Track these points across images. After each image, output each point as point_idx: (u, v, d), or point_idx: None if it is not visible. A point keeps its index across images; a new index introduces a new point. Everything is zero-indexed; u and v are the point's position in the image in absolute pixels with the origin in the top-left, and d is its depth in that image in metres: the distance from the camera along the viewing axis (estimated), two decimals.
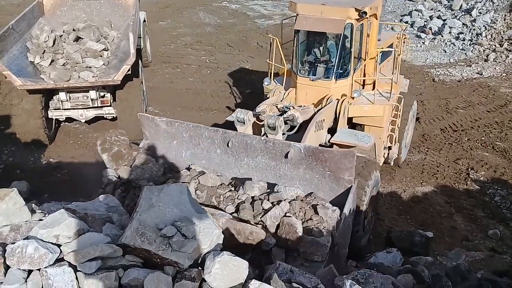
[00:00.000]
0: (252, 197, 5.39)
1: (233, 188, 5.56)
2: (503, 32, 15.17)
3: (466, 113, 11.25)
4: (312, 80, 7.49)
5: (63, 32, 10.04)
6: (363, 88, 7.92)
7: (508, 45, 14.69)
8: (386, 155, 8.33)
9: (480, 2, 16.80)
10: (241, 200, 5.36)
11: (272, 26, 17.83)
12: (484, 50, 14.90)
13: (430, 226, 7.36)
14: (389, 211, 7.82)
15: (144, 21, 12.93)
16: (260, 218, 5.04)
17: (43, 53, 9.14)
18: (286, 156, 5.57)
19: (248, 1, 21.58)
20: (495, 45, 14.91)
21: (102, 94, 9.13)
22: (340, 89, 7.42)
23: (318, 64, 7.68)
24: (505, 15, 15.63)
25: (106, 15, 10.99)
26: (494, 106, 11.68)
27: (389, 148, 8.24)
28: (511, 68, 13.87)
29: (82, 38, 9.81)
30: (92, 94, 8.98)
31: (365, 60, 7.71)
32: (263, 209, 5.16)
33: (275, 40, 8.00)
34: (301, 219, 5.10)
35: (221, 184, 5.60)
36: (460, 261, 5.90)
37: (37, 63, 8.97)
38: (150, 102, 11.11)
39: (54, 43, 9.52)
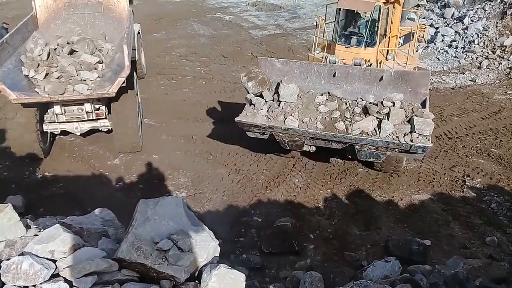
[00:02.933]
0: (370, 102, 7.71)
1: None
2: (496, 39, 15.32)
3: (461, 121, 11.30)
4: (346, 47, 9.67)
5: (58, 45, 10.03)
6: (386, 59, 9.75)
7: (500, 52, 14.83)
8: None
9: (472, 9, 16.97)
10: (363, 105, 7.73)
11: (266, 36, 17.96)
12: (477, 58, 15.02)
13: (427, 234, 7.35)
14: (386, 220, 7.81)
15: (139, 33, 12.97)
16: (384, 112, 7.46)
17: (37, 67, 9.12)
18: (380, 79, 7.89)
19: (242, 12, 21.72)
20: (487, 52, 15.04)
21: (97, 106, 9.10)
22: (368, 55, 9.43)
23: (352, 36, 9.78)
24: (497, 22, 15.79)
25: (100, 27, 11.00)
26: (488, 113, 11.75)
27: None
28: (504, 75, 14.01)
29: (77, 51, 9.80)
30: (87, 107, 8.95)
31: (388, 36, 9.77)
32: (383, 106, 7.58)
33: (321, 18, 10.19)
34: (410, 112, 7.42)
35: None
36: (458, 269, 5.87)
37: (32, 77, 8.94)
38: (146, 113, 11.11)
39: (48, 57, 9.51)
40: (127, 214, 4.22)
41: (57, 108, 8.86)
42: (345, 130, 7.53)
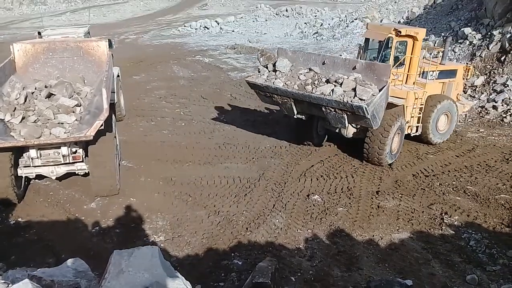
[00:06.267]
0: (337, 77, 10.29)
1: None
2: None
3: (436, 159, 11.53)
4: None
5: (35, 89, 9.98)
6: (406, 83, 11.64)
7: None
8: (411, 131, 12.00)
9: (443, 51, 17.65)
10: (329, 77, 10.34)
11: (245, 78, 18.23)
12: None
13: (409, 274, 7.31)
14: (367, 260, 7.76)
15: (118, 76, 13.04)
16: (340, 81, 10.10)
17: (14, 111, 9.00)
18: (354, 68, 10.34)
19: (221, 54, 22.16)
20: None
21: (74, 150, 8.98)
22: None
23: (371, 59, 12.00)
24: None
25: (79, 71, 11.02)
26: (462, 150, 12.04)
27: (417, 127, 12.00)
28: (476, 114, 14.47)
29: (55, 95, 9.75)
30: (64, 150, 8.83)
31: (405, 64, 11.61)
32: (342, 78, 10.13)
33: (360, 45, 13.09)
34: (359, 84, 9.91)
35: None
36: None
37: (8, 121, 8.80)
38: (124, 155, 11.02)
39: (25, 100, 9.41)
40: (102, 262, 4.10)
41: (32, 152, 8.72)
42: (311, 91, 10.35)
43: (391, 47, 11.45)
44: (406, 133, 11.82)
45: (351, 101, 9.68)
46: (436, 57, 12.87)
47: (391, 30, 11.40)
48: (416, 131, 12.02)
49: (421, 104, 11.70)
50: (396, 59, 11.53)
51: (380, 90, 9.83)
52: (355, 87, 9.87)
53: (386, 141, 10.78)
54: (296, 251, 8.00)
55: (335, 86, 10.13)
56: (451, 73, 12.56)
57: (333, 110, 10.11)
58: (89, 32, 13.57)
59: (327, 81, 10.41)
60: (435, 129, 12.17)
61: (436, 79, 12.14)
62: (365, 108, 9.49)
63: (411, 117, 11.74)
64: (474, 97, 15.22)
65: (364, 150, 11.17)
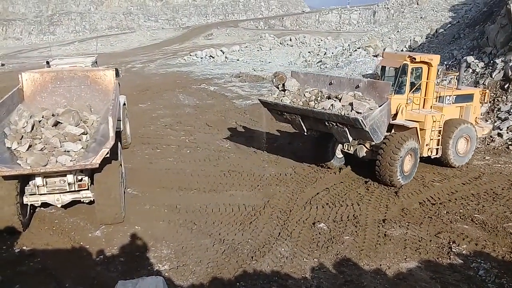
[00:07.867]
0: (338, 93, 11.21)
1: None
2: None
3: (443, 186, 11.45)
4: None
5: (42, 117, 10.09)
6: (423, 107, 12.19)
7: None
8: (431, 153, 12.25)
9: (446, 79, 17.78)
10: (330, 94, 11.35)
11: (249, 106, 18.40)
12: None
13: None
14: None
15: (124, 104, 13.19)
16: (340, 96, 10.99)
17: (20, 139, 9.09)
18: (357, 87, 11.03)
19: (226, 83, 22.43)
20: None
21: (79, 177, 9.00)
22: (396, 100, 11.68)
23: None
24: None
25: (86, 100, 11.16)
26: (468, 178, 11.96)
27: (437, 149, 12.30)
28: (482, 142, 14.44)
29: (61, 123, 9.86)
30: (70, 178, 8.85)
31: (422, 89, 12.12)
32: (341, 94, 11.03)
33: (377, 73, 13.46)
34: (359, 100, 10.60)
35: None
36: None
37: (14, 149, 8.88)
38: (129, 183, 11.02)
39: (32, 129, 9.52)
40: None
41: (38, 180, 8.74)
42: (313, 107, 11.16)
43: (406, 73, 11.83)
44: (426, 155, 12.15)
45: (347, 114, 10.25)
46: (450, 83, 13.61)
47: (406, 57, 11.89)
48: (436, 153, 12.35)
49: (440, 127, 12.10)
50: (412, 84, 11.95)
51: (380, 106, 10.40)
52: (352, 101, 10.51)
53: (395, 160, 11.09)
54: (302, 280, 7.87)
55: (334, 101, 10.84)
56: (468, 97, 13.01)
57: (335, 124, 10.67)
58: (96, 62, 13.82)
59: (328, 97, 11.20)
60: (456, 152, 12.52)
61: (453, 103, 12.66)
62: (361, 120, 9.97)
63: (431, 139, 12.09)
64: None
65: (376, 170, 11.43)
